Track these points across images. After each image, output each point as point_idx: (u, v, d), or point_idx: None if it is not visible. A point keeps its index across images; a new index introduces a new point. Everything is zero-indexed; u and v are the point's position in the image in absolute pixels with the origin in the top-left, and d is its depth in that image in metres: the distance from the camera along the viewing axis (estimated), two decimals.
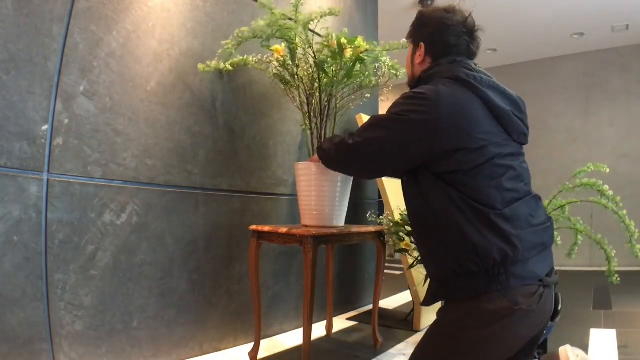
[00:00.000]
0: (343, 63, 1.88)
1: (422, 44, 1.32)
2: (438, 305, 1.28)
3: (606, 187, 2.14)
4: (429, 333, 1.19)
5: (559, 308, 1.17)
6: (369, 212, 2.61)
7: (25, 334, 1.44)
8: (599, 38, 4.91)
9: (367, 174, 1.80)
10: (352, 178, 2.02)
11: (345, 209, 2.01)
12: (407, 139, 1.15)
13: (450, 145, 1.10)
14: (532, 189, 1.20)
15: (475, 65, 1.24)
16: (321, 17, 1.86)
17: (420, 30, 1.34)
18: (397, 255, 4.38)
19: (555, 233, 2.15)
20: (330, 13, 1.85)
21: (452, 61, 1.24)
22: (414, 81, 1.34)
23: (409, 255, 2.28)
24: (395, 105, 1.21)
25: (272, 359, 2.02)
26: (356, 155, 1.34)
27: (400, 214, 2.26)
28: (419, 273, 2.38)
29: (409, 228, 2.13)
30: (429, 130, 1.12)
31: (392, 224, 2.18)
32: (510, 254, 1.04)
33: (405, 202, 1.32)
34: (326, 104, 2.00)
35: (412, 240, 2.12)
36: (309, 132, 2.05)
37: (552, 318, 1.15)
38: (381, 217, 2.31)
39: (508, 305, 1.03)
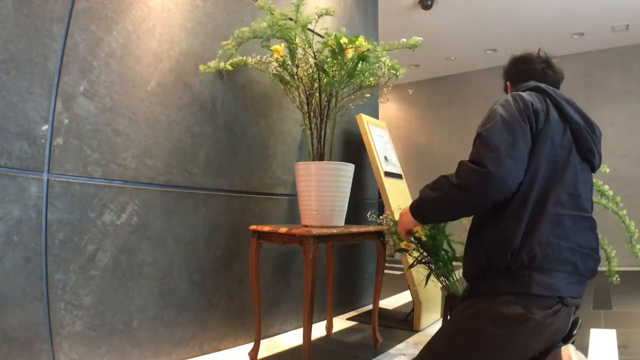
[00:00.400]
0: (344, 63, 1.88)
1: (507, 82, 1.47)
2: (439, 305, 1.29)
3: (606, 187, 2.14)
4: (444, 325, 1.23)
5: (574, 332, 1.15)
6: (369, 212, 2.61)
7: (25, 334, 1.44)
8: (599, 38, 4.91)
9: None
10: (351, 178, 2.02)
11: (345, 209, 2.01)
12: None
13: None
14: (589, 209, 1.18)
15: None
16: (319, 17, 1.86)
17: (507, 71, 1.49)
18: (397, 255, 4.38)
19: None
20: (326, 13, 1.85)
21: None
22: None
23: (409, 255, 2.27)
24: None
25: (272, 359, 2.02)
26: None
27: None
28: (419, 273, 2.38)
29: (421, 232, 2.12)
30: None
31: (392, 224, 2.17)
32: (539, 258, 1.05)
33: None
34: (326, 104, 2.00)
35: (413, 240, 2.12)
36: (309, 132, 2.05)
37: (565, 339, 1.14)
38: (381, 217, 2.31)
39: (522, 313, 1.03)
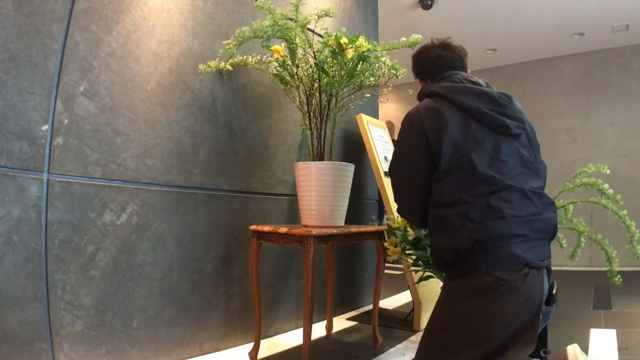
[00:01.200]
0: (344, 63, 1.88)
1: (417, 79, 1.55)
2: None
3: (606, 185, 2.14)
4: (432, 313, 1.28)
5: (554, 292, 1.21)
6: (371, 217, 2.60)
7: (25, 334, 1.44)
8: (599, 38, 4.91)
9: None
10: (351, 178, 2.02)
11: (345, 209, 2.01)
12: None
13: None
14: (517, 181, 1.22)
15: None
16: (318, 17, 1.86)
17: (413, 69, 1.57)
18: None
19: (561, 236, 2.15)
20: (326, 14, 1.85)
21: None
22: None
23: (404, 259, 2.28)
24: None
25: (272, 359, 2.02)
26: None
27: None
28: (419, 273, 2.38)
29: (409, 230, 2.13)
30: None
31: (390, 229, 2.17)
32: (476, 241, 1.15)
33: None
34: (326, 104, 2.00)
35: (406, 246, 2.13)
36: (309, 132, 2.05)
37: (548, 302, 1.18)
38: (385, 218, 2.32)
39: (492, 280, 1.10)
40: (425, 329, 1.27)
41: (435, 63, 1.45)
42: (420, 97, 1.44)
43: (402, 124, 1.38)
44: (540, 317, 1.13)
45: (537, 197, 1.21)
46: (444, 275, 1.32)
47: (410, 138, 1.32)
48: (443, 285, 1.29)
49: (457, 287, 1.20)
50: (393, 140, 4.96)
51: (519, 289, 1.09)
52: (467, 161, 1.21)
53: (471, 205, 1.17)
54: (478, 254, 1.14)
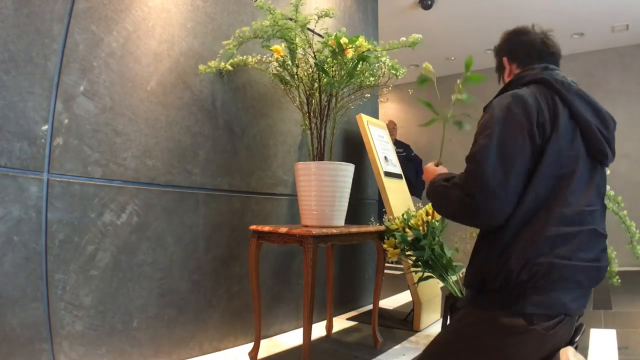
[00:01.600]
0: (344, 63, 1.88)
1: (503, 57, 1.32)
2: (439, 305, 1.29)
3: (607, 187, 2.14)
4: (445, 331, 1.20)
5: (577, 339, 1.12)
6: (370, 219, 2.60)
7: (25, 334, 1.44)
8: (599, 38, 4.91)
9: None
10: (351, 178, 2.02)
11: (345, 209, 2.01)
12: None
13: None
14: (594, 218, 1.09)
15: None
16: (318, 18, 1.86)
17: (500, 46, 1.35)
18: None
19: None
20: (326, 15, 1.85)
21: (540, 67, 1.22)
22: (504, 86, 1.31)
23: (404, 260, 2.29)
24: None
25: (272, 359, 2.02)
26: None
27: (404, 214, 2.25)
28: (419, 273, 2.38)
29: (408, 231, 2.13)
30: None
31: (388, 230, 2.17)
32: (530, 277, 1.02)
33: None
34: (326, 104, 2.00)
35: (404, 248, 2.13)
36: (309, 132, 2.05)
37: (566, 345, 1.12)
38: (386, 218, 2.32)
39: (523, 324, 1.01)
40: (432, 345, 1.19)
41: (538, 48, 1.24)
42: (513, 82, 1.23)
43: (488, 110, 1.12)
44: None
45: (603, 241, 1.10)
46: (470, 297, 1.17)
47: (515, 116, 1.06)
48: (464, 311, 1.16)
49: (483, 318, 1.08)
50: (395, 141, 4.97)
51: (547, 337, 1.01)
52: (568, 178, 1.05)
53: (549, 233, 1.01)
54: (528, 292, 1.01)
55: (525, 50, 1.26)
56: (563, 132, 1.06)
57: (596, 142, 1.10)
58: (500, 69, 1.35)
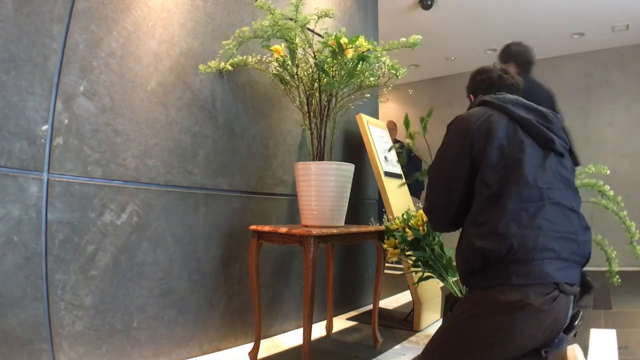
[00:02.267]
0: (344, 63, 1.88)
1: (470, 95, 1.59)
2: (439, 305, 1.32)
3: (607, 187, 2.14)
4: (445, 320, 1.26)
5: (576, 323, 1.17)
6: (370, 219, 2.61)
7: (25, 334, 1.44)
8: (599, 38, 4.91)
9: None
10: (351, 178, 2.02)
11: (345, 209, 2.01)
12: None
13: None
14: (557, 196, 1.21)
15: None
16: (318, 18, 1.86)
17: (468, 87, 1.62)
18: None
19: None
20: (326, 15, 1.85)
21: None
22: None
23: (404, 260, 2.28)
24: None
25: (272, 359, 2.02)
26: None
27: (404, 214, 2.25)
28: (419, 273, 2.38)
29: (408, 231, 2.13)
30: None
31: (388, 230, 2.17)
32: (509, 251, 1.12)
33: None
34: (326, 104, 2.00)
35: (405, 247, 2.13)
36: (309, 132, 2.05)
37: (566, 330, 1.16)
38: (385, 219, 2.32)
39: (519, 299, 1.06)
40: (439, 331, 1.25)
41: (495, 82, 1.49)
42: (469, 109, 1.46)
43: (449, 127, 1.38)
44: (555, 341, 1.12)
45: (575, 217, 1.20)
46: (465, 284, 1.29)
47: (456, 139, 1.32)
48: (468, 294, 1.26)
49: (480, 299, 1.16)
50: (395, 140, 4.97)
51: (544, 313, 1.07)
52: (514, 164, 1.20)
53: (511, 210, 1.14)
54: (510, 265, 1.11)
55: (485, 85, 1.51)
56: (502, 131, 1.25)
57: (539, 132, 1.26)
58: (469, 101, 1.59)
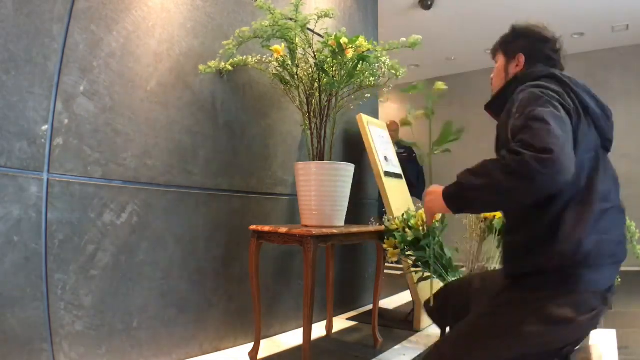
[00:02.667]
0: (344, 63, 1.88)
1: (520, 54, 1.31)
2: None
3: None
4: (480, 312, 1.16)
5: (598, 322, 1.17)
6: (370, 219, 2.60)
7: (25, 334, 1.44)
8: (599, 38, 4.91)
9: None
10: (351, 178, 2.02)
11: (345, 209, 2.01)
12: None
13: None
14: (616, 197, 1.17)
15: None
16: (318, 18, 1.86)
17: (517, 41, 1.35)
18: None
19: None
20: (325, 15, 1.85)
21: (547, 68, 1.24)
22: (505, 83, 1.31)
23: (404, 261, 2.28)
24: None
25: (272, 359, 2.02)
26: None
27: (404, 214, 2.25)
28: (419, 273, 2.38)
29: (408, 231, 2.12)
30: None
31: (388, 230, 2.16)
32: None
33: None
34: (326, 104, 2.00)
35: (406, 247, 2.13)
36: (309, 132, 2.05)
37: None
38: (385, 218, 2.32)
39: (571, 317, 1.03)
40: (468, 321, 1.16)
41: (551, 50, 1.28)
42: (519, 78, 1.24)
43: (521, 95, 1.11)
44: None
45: (624, 217, 1.16)
46: (511, 281, 1.15)
47: (552, 98, 1.06)
48: (509, 288, 1.14)
49: (527, 303, 1.08)
50: (396, 142, 4.96)
51: (587, 327, 1.07)
52: (592, 159, 1.09)
53: (594, 207, 1.04)
54: (582, 270, 1.03)
55: (539, 48, 1.28)
56: (582, 120, 1.10)
57: (604, 131, 1.16)
58: (509, 58, 1.35)
